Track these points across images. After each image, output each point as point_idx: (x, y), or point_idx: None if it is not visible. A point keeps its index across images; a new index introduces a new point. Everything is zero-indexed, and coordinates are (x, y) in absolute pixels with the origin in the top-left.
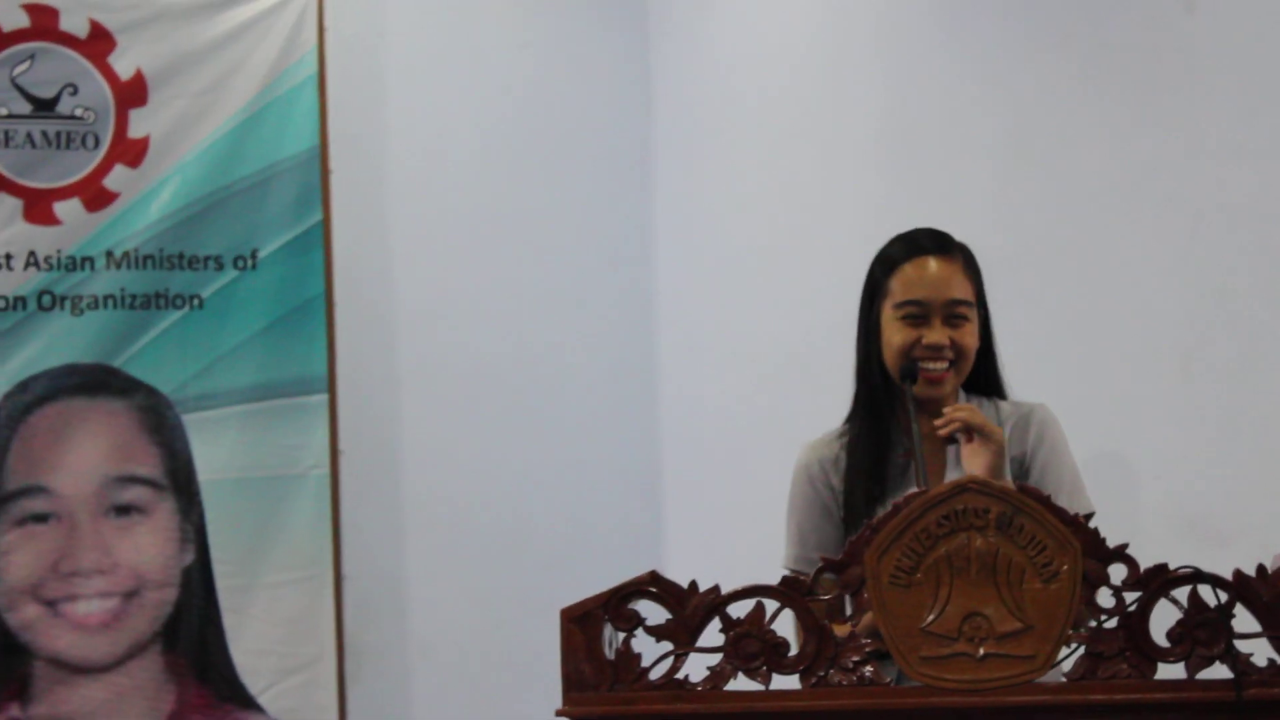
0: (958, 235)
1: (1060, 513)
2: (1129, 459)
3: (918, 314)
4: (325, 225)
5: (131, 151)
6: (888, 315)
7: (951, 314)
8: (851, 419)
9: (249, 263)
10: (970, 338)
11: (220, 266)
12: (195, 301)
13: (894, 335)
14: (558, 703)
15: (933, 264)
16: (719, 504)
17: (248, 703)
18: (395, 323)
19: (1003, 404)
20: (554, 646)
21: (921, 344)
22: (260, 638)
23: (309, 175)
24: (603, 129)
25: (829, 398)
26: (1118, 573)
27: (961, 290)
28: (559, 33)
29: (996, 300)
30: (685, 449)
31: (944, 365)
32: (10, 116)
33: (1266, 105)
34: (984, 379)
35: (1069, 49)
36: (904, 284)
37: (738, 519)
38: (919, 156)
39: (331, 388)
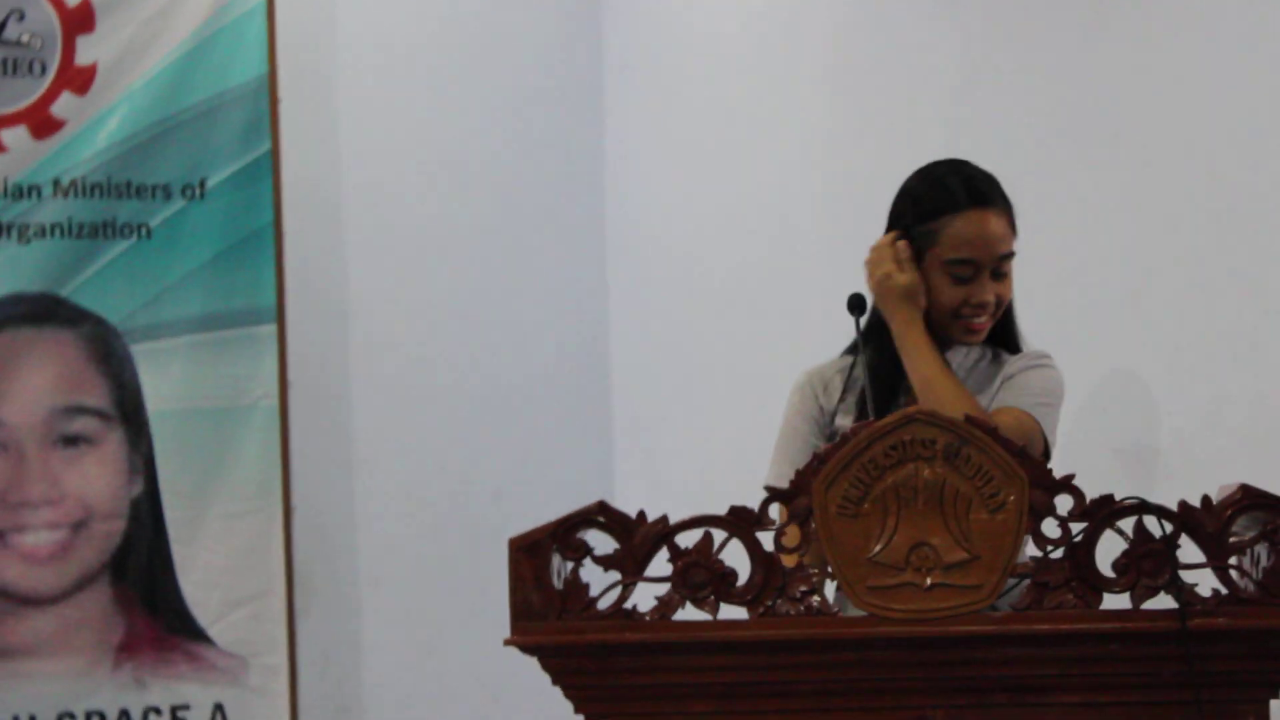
0: (907, 170)
1: (1007, 444)
2: (1077, 392)
3: (968, 274)
4: (274, 154)
5: (79, 79)
6: (933, 263)
7: (998, 270)
8: (864, 347)
9: (197, 192)
10: (1010, 288)
11: (168, 196)
12: (143, 231)
13: (943, 291)
14: (507, 633)
15: (986, 220)
16: (669, 436)
17: (196, 634)
18: (345, 253)
19: (1009, 357)
20: (503, 578)
21: (970, 302)
22: (209, 569)
23: (258, 104)
24: (554, 53)
25: (778, 331)
26: (1064, 504)
27: (1007, 243)
28: None
29: None
30: (635, 381)
31: (986, 317)
32: None
33: (1218, 38)
34: (1000, 327)
35: None
36: (955, 239)
37: (688, 451)
38: (869, 90)
39: (280, 318)
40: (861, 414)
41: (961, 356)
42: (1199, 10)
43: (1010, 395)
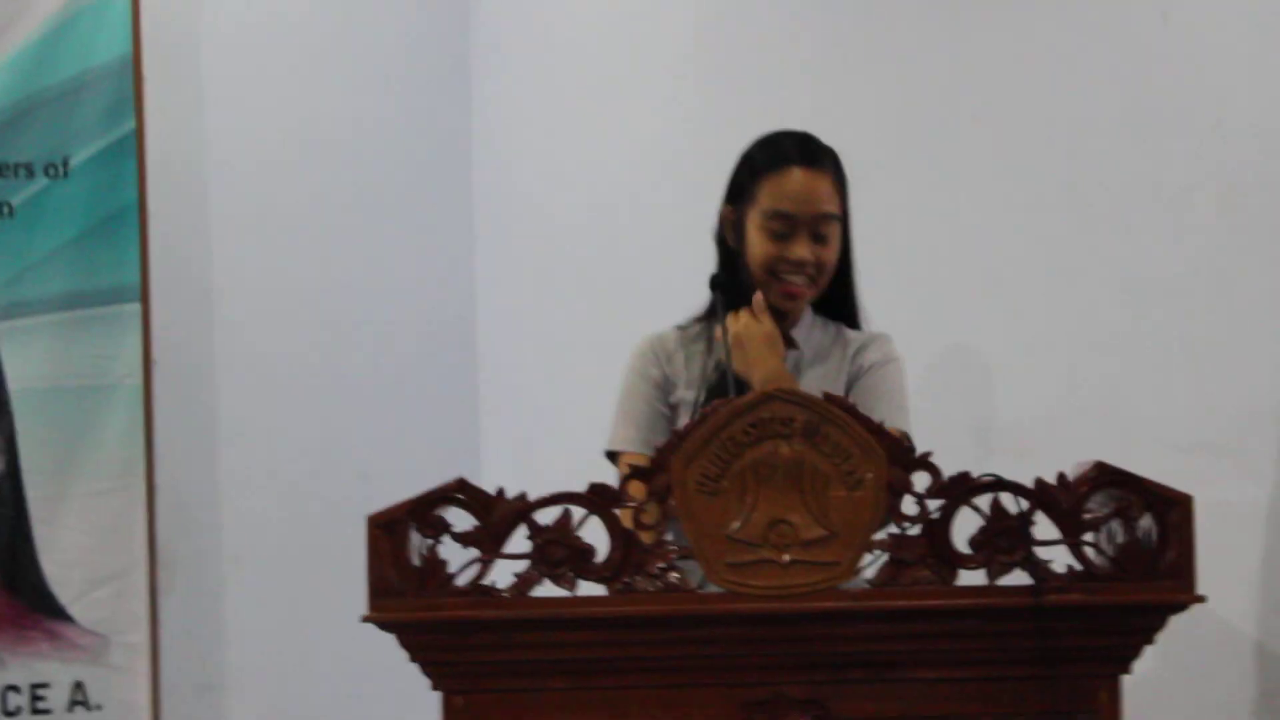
0: None
1: (865, 421)
2: (937, 372)
3: (784, 229)
4: (138, 133)
5: None
6: (753, 222)
7: (818, 231)
8: (708, 317)
9: (60, 170)
10: (833, 253)
11: (31, 174)
12: (5, 209)
13: (757, 246)
14: (365, 610)
15: (801, 176)
16: (535, 415)
17: (58, 613)
18: (209, 233)
19: (847, 331)
20: (365, 556)
21: (785, 258)
22: (71, 548)
23: (122, 83)
24: (421, 29)
25: (644, 310)
26: (922, 481)
27: (829, 204)
28: None
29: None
30: (502, 361)
31: (804, 279)
32: None
33: (1079, 23)
34: (838, 300)
35: None
36: (771, 194)
37: (554, 429)
38: (731, 70)
39: (144, 297)
40: (712, 390)
41: (806, 330)
42: None
43: (866, 400)
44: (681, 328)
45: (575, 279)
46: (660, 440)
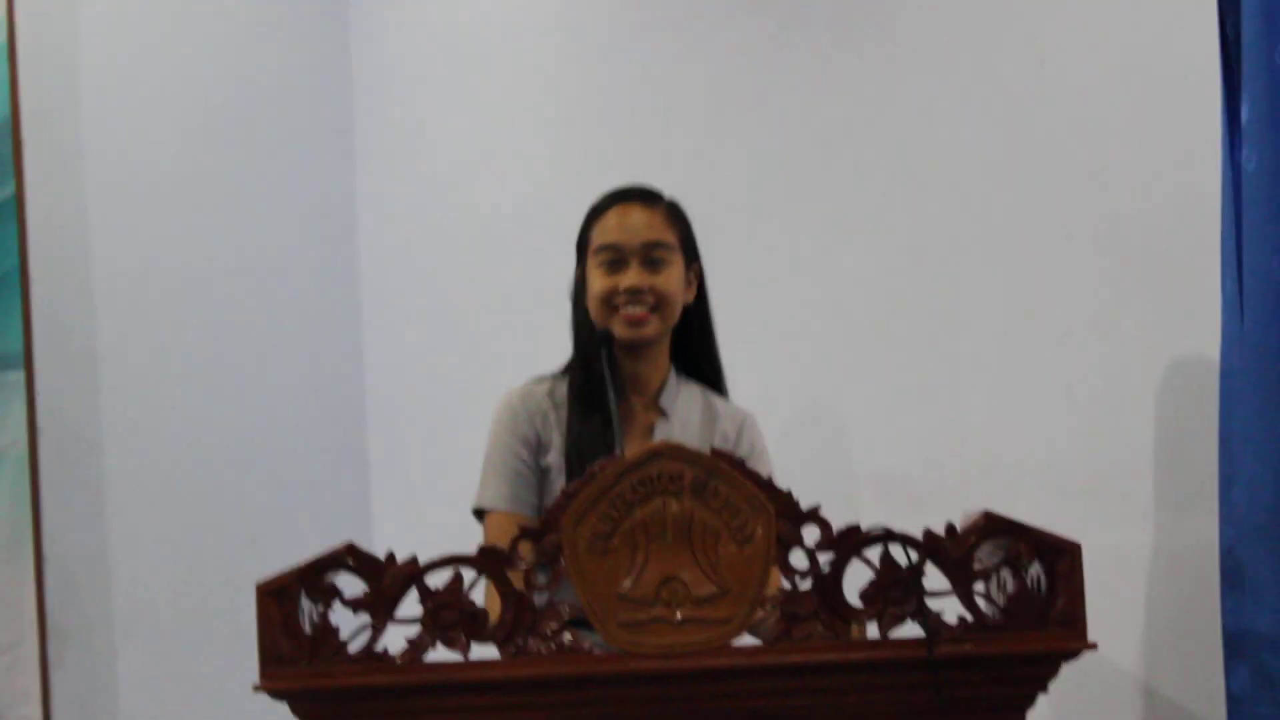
0: (657, 176)
1: (754, 476)
2: (827, 421)
3: (614, 259)
4: (18, 198)
5: None
6: (591, 265)
7: (649, 257)
8: (568, 371)
9: None
10: (671, 283)
11: None
12: None
13: (595, 283)
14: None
15: (631, 211)
16: (426, 473)
17: None
18: (93, 297)
19: (716, 402)
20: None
21: (620, 289)
22: None
23: (0, 146)
24: (304, 94)
25: (533, 363)
26: (812, 535)
27: (660, 233)
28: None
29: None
30: (391, 418)
31: (643, 308)
32: None
33: (961, 64)
34: (699, 356)
35: (766, 8)
36: (602, 230)
37: (445, 488)
38: (623, 114)
39: (28, 364)
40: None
41: (672, 396)
42: (940, 42)
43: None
44: (543, 383)
45: (464, 339)
46: (528, 498)
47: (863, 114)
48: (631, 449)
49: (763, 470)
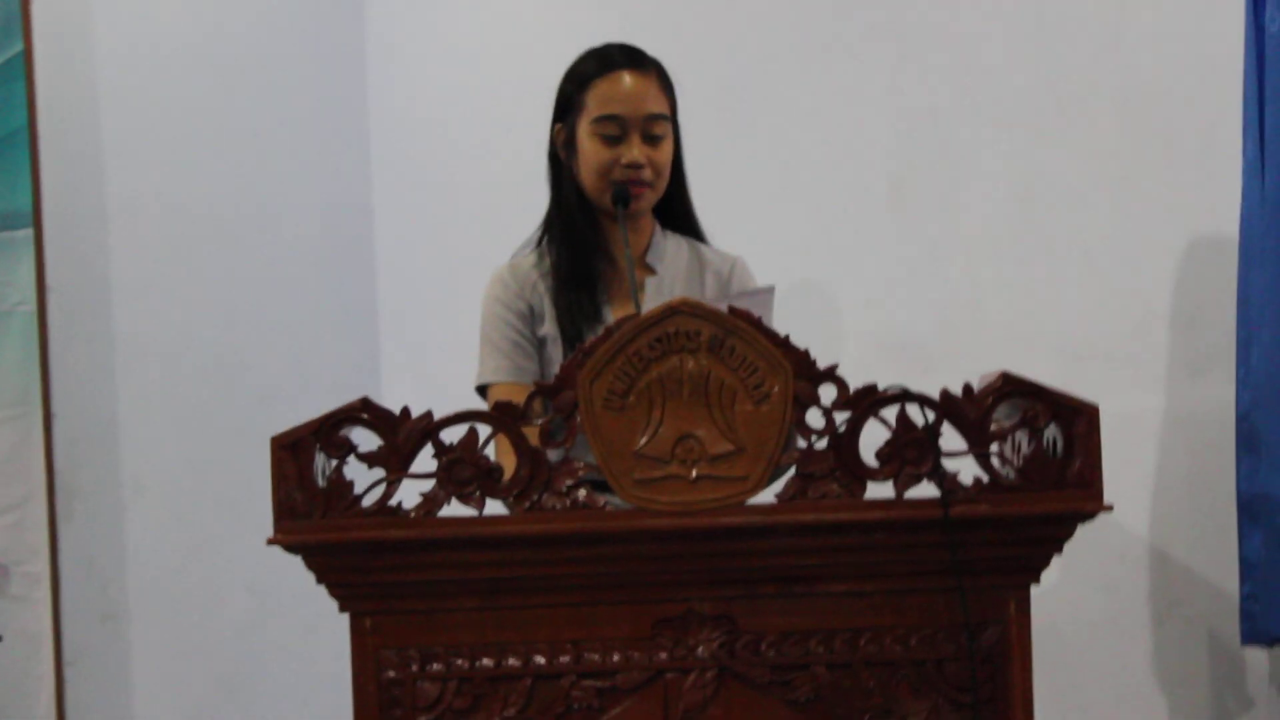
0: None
1: (771, 334)
2: (839, 286)
3: (615, 131)
4: (27, 55)
5: None
6: (585, 131)
7: (649, 131)
8: (549, 241)
9: None
10: (666, 155)
11: None
12: None
13: (592, 154)
14: (271, 534)
15: (628, 78)
16: (436, 335)
17: None
18: (102, 156)
19: (703, 249)
20: (269, 480)
21: (620, 163)
22: None
23: (8, 3)
24: None
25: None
26: (829, 394)
27: (658, 104)
28: None
29: (703, 131)
30: (401, 278)
31: (642, 183)
32: None
33: None
34: (678, 209)
35: None
36: (600, 99)
37: (454, 350)
38: None
39: (37, 223)
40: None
41: (658, 251)
42: None
43: None
44: (528, 254)
45: (472, 193)
46: (529, 368)
47: None
48: (621, 312)
49: (769, 314)
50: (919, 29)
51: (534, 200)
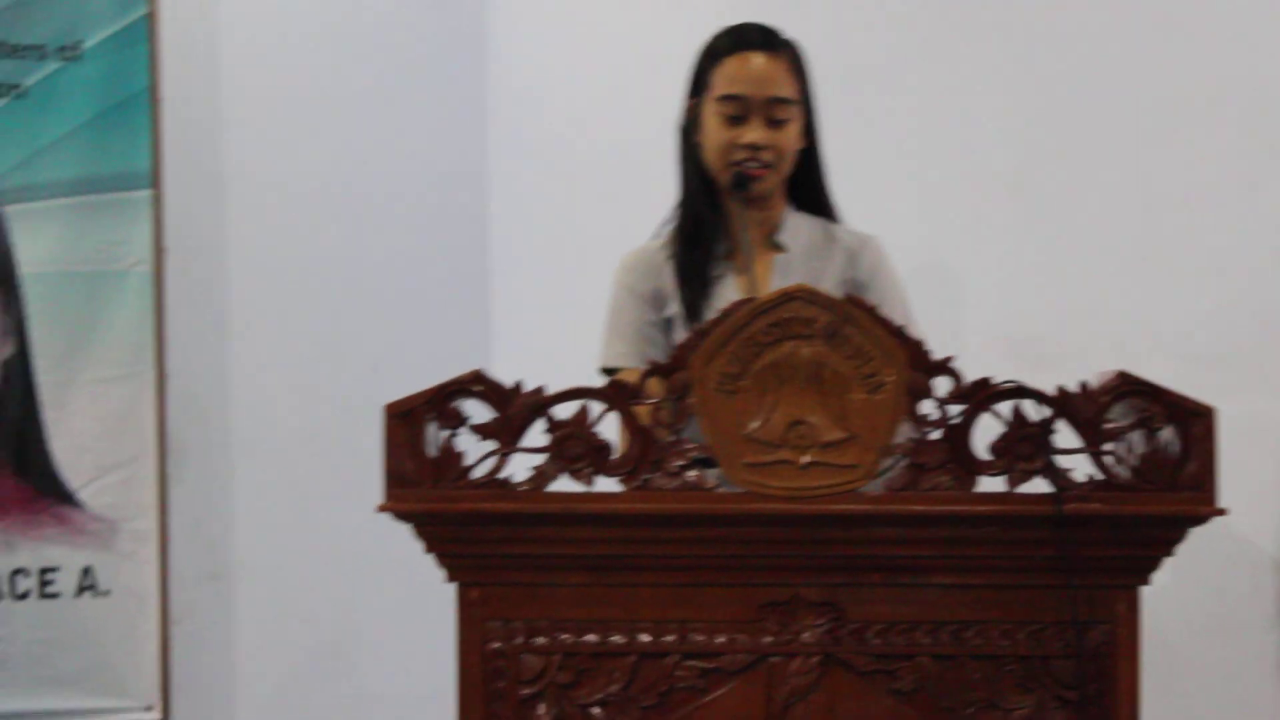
0: None
1: (886, 324)
2: (957, 279)
3: (738, 111)
4: (152, 17)
5: None
6: (709, 109)
7: (772, 114)
8: (674, 218)
9: (73, 53)
10: (789, 139)
11: (43, 56)
12: (17, 91)
13: (713, 132)
14: (380, 502)
15: (756, 59)
16: (547, 309)
17: (66, 498)
18: (222, 120)
19: (834, 227)
20: (377, 449)
21: (740, 143)
22: (81, 434)
23: None
24: None
25: (658, 201)
26: (943, 386)
27: (785, 88)
28: None
29: (829, 117)
30: (514, 250)
31: (760, 165)
32: None
33: None
34: (811, 193)
35: None
36: (725, 78)
37: (565, 324)
38: None
39: (156, 184)
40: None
41: (792, 231)
42: None
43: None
44: (656, 239)
45: (588, 171)
46: (654, 353)
47: None
48: (749, 291)
49: (888, 290)
50: (1047, 25)
51: (650, 177)
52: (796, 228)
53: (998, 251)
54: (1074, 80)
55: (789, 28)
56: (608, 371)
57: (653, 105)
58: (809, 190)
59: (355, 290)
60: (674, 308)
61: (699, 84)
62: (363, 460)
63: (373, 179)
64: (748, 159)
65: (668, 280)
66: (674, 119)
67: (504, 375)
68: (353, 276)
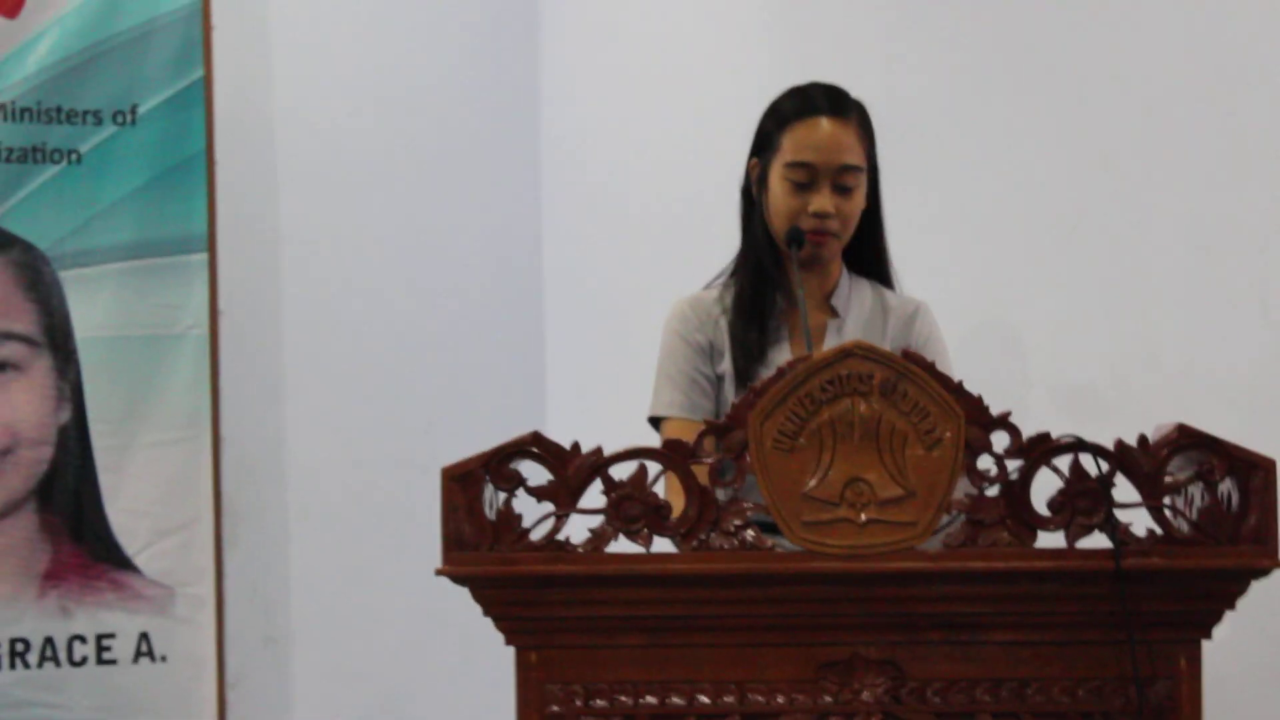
0: None
1: (944, 379)
2: (1012, 329)
3: (806, 179)
4: (207, 81)
5: (8, 2)
6: (776, 173)
7: (841, 181)
8: (735, 273)
9: (128, 118)
10: (857, 206)
11: (99, 121)
12: (73, 156)
13: (781, 198)
14: (436, 564)
15: (825, 125)
16: (602, 367)
17: (123, 563)
18: (276, 181)
19: (888, 293)
20: (433, 510)
21: (808, 211)
22: (137, 498)
23: (191, 30)
24: None
25: (711, 260)
26: (1000, 441)
27: (853, 155)
28: None
29: (881, 165)
30: (569, 310)
31: (826, 234)
32: None
33: None
34: (870, 255)
35: None
36: (795, 144)
37: (620, 382)
38: (806, 23)
39: (211, 247)
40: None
41: (845, 296)
42: None
43: None
44: (711, 290)
45: (642, 231)
46: (705, 404)
47: (1054, 20)
48: (800, 353)
49: (940, 358)
50: (1098, 70)
51: (703, 233)
52: (850, 292)
53: (1049, 300)
54: (1124, 126)
55: (843, 80)
56: (656, 421)
57: (705, 161)
58: (869, 252)
59: (408, 351)
60: (725, 365)
61: (764, 144)
62: (417, 521)
63: (426, 240)
64: (815, 228)
65: (722, 336)
66: (727, 174)
67: (560, 429)
68: (406, 337)
